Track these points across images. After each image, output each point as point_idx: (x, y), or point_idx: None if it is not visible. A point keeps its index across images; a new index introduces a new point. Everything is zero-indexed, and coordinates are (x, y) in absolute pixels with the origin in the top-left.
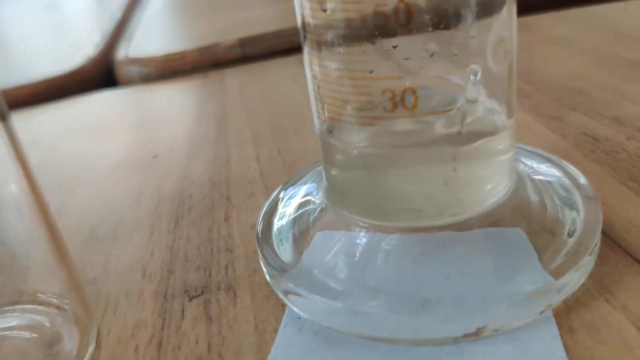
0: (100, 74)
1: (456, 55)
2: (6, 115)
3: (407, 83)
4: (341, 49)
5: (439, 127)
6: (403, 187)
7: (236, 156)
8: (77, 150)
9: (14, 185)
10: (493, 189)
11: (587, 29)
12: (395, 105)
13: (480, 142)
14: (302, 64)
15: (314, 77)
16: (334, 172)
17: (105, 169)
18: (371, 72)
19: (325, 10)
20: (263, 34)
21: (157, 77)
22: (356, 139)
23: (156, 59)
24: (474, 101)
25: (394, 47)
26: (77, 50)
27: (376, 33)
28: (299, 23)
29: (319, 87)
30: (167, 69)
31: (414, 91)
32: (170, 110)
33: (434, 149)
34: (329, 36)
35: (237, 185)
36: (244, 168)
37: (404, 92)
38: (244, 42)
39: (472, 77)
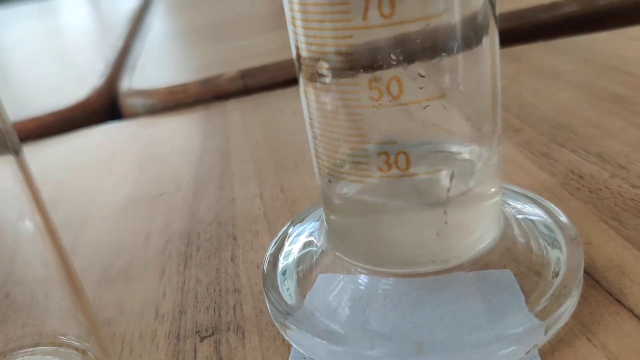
0: (104, 106)
1: (445, 108)
2: (19, 150)
3: (399, 147)
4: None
5: (430, 185)
6: (397, 237)
7: (241, 194)
8: (85, 185)
9: (29, 222)
10: (483, 235)
11: (574, 60)
12: (389, 167)
13: (469, 194)
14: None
15: (314, 137)
16: (332, 217)
17: (114, 205)
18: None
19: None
20: (264, 65)
21: (160, 109)
22: (352, 193)
23: (159, 91)
24: (460, 150)
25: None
26: (81, 80)
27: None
28: (294, 54)
29: (316, 142)
30: (170, 101)
31: (406, 154)
32: (174, 144)
33: (426, 205)
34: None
35: (242, 224)
36: (248, 207)
37: (397, 155)
38: (245, 74)
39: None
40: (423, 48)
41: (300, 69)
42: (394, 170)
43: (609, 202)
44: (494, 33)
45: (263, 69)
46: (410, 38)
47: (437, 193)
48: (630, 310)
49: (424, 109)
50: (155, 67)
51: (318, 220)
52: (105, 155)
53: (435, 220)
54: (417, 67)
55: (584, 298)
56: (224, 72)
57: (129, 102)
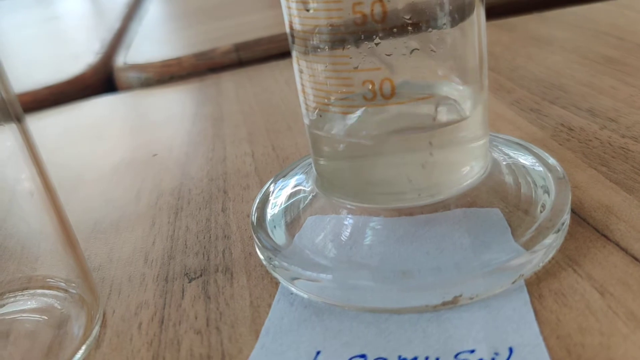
0: (100, 81)
1: (434, 51)
2: (21, 117)
3: (385, 74)
4: (326, 51)
5: (416, 114)
6: (384, 172)
7: (232, 153)
8: (78, 152)
9: (28, 183)
10: (468, 172)
11: (568, 28)
12: (374, 94)
13: (454, 126)
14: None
15: (300, 72)
16: (321, 162)
17: (107, 168)
18: (355, 67)
19: (308, 10)
20: (258, 39)
21: (155, 82)
22: (340, 128)
23: (154, 65)
24: (447, 89)
25: (377, 44)
26: (77, 58)
27: (361, 36)
28: (287, 27)
29: (305, 81)
30: (165, 74)
31: (391, 81)
32: (168, 113)
33: (411, 135)
34: (315, 39)
35: (233, 179)
36: (240, 164)
37: (382, 82)
38: (239, 47)
39: (446, 71)
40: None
41: (293, 40)
42: (379, 99)
43: (598, 150)
44: None
45: (257, 42)
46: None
47: (422, 122)
48: (617, 244)
49: (411, 53)
50: (151, 44)
51: (306, 169)
52: (100, 124)
53: (421, 152)
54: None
55: (570, 235)
56: (218, 46)
57: (124, 76)
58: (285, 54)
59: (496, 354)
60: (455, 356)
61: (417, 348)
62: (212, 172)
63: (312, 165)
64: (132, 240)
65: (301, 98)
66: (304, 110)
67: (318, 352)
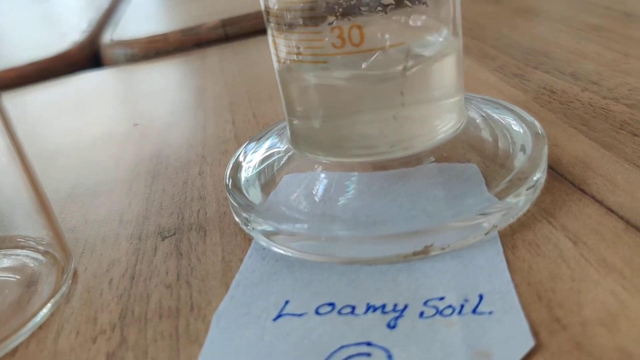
0: (86, 58)
1: (409, 6)
2: None
3: (353, 21)
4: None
5: (386, 62)
6: (356, 124)
7: (213, 121)
8: (61, 124)
9: (6, 155)
10: (441, 126)
11: None
12: (343, 41)
13: (426, 75)
14: None
15: (271, 29)
16: (294, 120)
17: (87, 139)
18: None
19: None
20: (245, 14)
21: (141, 58)
22: (311, 77)
23: (140, 41)
24: (418, 36)
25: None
26: (64, 36)
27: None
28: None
29: (276, 37)
30: (151, 50)
31: (359, 28)
32: (152, 86)
33: (382, 85)
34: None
35: (212, 145)
36: (220, 131)
37: (350, 29)
38: (226, 23)
39: (418, 19)
40: None
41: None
42: (348, 46)
43: (579, 111)
44: None
45: (244, 17)
46: None
47: (392, 71)
48: (593, 197)
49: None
50: (138, 22)
51: (281, 131)
52: (84, 98)
53: (392, 101)
54: None
55: (547, 190)
56: (205, 22)
57: (110, 53)
58: None
59: (465, 300)
60: (425, 303)
61: (386, 296)
62: (192, 139)
63: (287, 124)
64: (109, 204)
65: (273, 52)
66: (275, 65)
67: (287, 302)
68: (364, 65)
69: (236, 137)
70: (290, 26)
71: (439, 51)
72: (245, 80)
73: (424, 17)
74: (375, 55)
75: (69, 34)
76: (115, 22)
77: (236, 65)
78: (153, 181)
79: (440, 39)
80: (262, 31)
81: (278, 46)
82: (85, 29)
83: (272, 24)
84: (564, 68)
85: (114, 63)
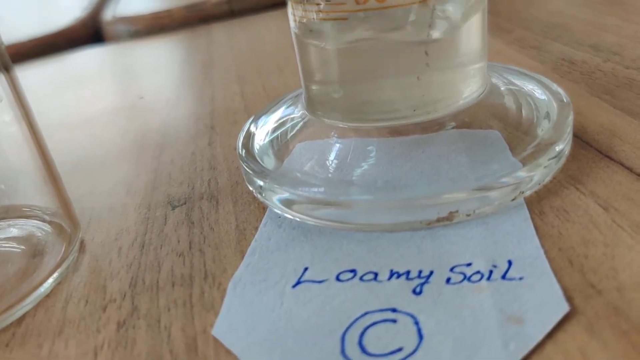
0: (88, 34)
1: None
2: (9, 67)
3: None
4: None
5: (410, 20)
6: (378, 86)
7: (221, 94)
8: (65, 99)
9: (15, 126)
10: (465, 90)
11: None
12: None
13: (451, 34)
14: (287, 16)
15: None
16: (312, 84)
17: (92, 113)
18: None
19: None
20: None
21: (145, 34)
22: (331, 37)
23: (144, 17)
24: None
25: None
26: (64, 13)
27: None
28: None
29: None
30: (155, 27)
31: None
32: (157, 62)
33: (406, 43)
34: None
35: (221, 116)
36: (229, 102)
37: None
38: None
39: None
40: None
41: None
42: (371, 2)
43: (601, 81)
44: None
45: None
46: None
47: (417, 29)
48: (621, 164)
49: None
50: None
51: (294, 100)
52: (87, 74)
53: (416, 61)
54: None
55: (573, 157)
56: None
57: (113, 29)
58: (278, 5)
59: (494, 266)
60: (451, 269)
61: (410, 262)
62: (200, 110)
63: (303, 90)
64: (116, 175)
65: (290, 12)
66: (292, 25)
67: (306, 269)
68: (387, 23)
69: (246, 108)
70: None
71: (464, 11)
72: (254, 54)
73: None
74: (400, 12)
75: (69, 10)
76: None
77: (244, 39)
78: (161, 152)
79: (463, 7)
80: (268, 7)
81: (296, 4)
82: (86, 6)
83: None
84: (584, 40)
85: (117, 39)
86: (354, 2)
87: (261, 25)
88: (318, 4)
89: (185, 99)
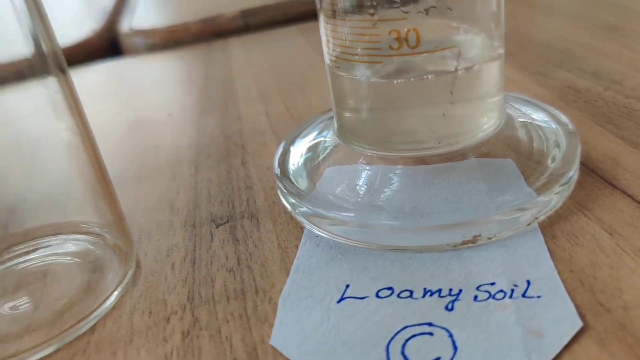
0: (104, 46)
1: (450, 9)
2: (65, 69)
3: (410, 25)
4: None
5: (438, 63)
6: (407, 120)
7: (246, 112)
8: (90, 113)
9: (67, 133)
10: (485, 123)
11: None
12: (400, 44)
13: (474, 74)
14: (302, 33)
15: (326, 24)
16: (344, 111)
17: (122, 126)
18: (381, 18)
19: None
20: (264, 5)
21: (161, 48)
22: (364, 74)
23: (160, 31)
24: (468, 40)
25: (394, 3)
26: (80, 25)
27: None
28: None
29: (329, 34)
30: (171, 40)
31: (416, 31)
32: (177, 75)
33: (434, 83)
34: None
35: (249, 136)
36: (255, 122)
37: (407, 32)
38: (245, 14)
39: (464, 25)
40: None
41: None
42: (405, 48)
43: (603, 110)
44: None
45: (264, 8)
46: None
47: (444, 71)
48: (623, 191)
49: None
50: (155, 10)
51: (327, 123)
52: (109, 87)
53: (442, 100)
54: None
55: (580, 184)
56: (224, 12)
57: (130, 42)
58: (291, 20)
59: (515, 285)
60: (477, 288)
61: (441, 281)
62: (228, 129)
63: (334, 117)
64: (156, 191)
65: (325, 50)
66: (326, 60)
67: (347, 286)
68: (416, 65)
69: (272, 129)
70: (347, 23)
71: (487, 53)
72: (273, 72)
73: (472, 21)
74: (429, 57)
75: (83, 22)
76: (131, 10)
77: (261, 56)
78: (197, 170)
79: (488, 43)
80: (282, 22)
81: (331, 44)
82: (101, 17)
83: (326, 22)
84: (585, 67)
85: (134, 52)
86: (388, 48)
87: (277, 41)
88: (354, 48)
89: (212, 116)
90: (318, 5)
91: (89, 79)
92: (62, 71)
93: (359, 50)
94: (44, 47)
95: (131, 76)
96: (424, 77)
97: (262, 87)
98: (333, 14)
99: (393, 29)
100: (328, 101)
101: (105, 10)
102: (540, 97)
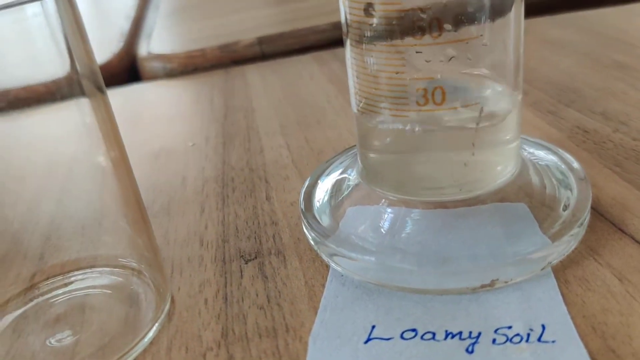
0: (123, 70)
1: (470, 59)
2: (103, 89)
3: (437, 82)
4: (377, 46)
5: (462, 118)
6: (430, 168)
7: (268, 145)
8: None
9: (103, 157)
10: (502, 170)
11: (579, 32)
12: (426, 101)
13: (495, 127)
14: (317, 61)
15: (353, 72)
16: (368, 154)
17: (147, 156)
18: (398, 73)
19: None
20: (281, 32)
21: (179, 73)
22: (390, 127)
23: (178, 56)
24: (490, 95)
25: (417, 52)
26: (100, 47)
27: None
28: (343, 20)
29: (357, 82)
30: (189, 65)
31: (442, 89)
32: (198, 103)
33: (457, 136)
34: (367, 33)
35: (272, 170)
36: (277, 155)
37: (434, 90)
38: (262, 41)
39: (485, 72)
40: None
41: (347, 32)
42: (430, 104)
43: (612, 152)
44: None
45: (280, 36)
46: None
47: (467, 126)
48: (632, 237)
49: (449, 60)
50: (172, 34)
51: (350, 160)
52: (130, 113)
53: (464, 151)
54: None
55: (590, 228)
56: (241, 39)
57: (148, 66)
58: (307, 49)
59: (531, 329)
60: (495, 331)
61: (461, 324)
62: (251, 162)
63: (358, 156)
64: (185, 224)
65: (353, 97)
66: (354, 108)
67: (373, 326)
68: (440, 117)
69: (294, 162)
70: (377, 77)
71: (508, 105)
72: (291, 103)
73: (492, 70)
74: (452, 112)
75: (103, 44)
76: (148, 33)
77: (279, 85)
78: (224, 204)
79: (509, 92)
80: (297, 51)
81: (359, 94)
82: (119, 39)
83: (356, 73)
84: (595, 107)
85: (152, 76)
86: (415, 104)
87: (293, 70)
88: (383, 106)
89: (235, 148)
90: (346, 48)
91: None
92: (101, 91)
93: (386, 104)
94: (80, 67)
95: (151, 102)
96: (446, 129)
97: (281, 117)
98: (363, 65)
99: (420, 87)
100: (344, 134)
101: (123, 33)
102: (550, 138)
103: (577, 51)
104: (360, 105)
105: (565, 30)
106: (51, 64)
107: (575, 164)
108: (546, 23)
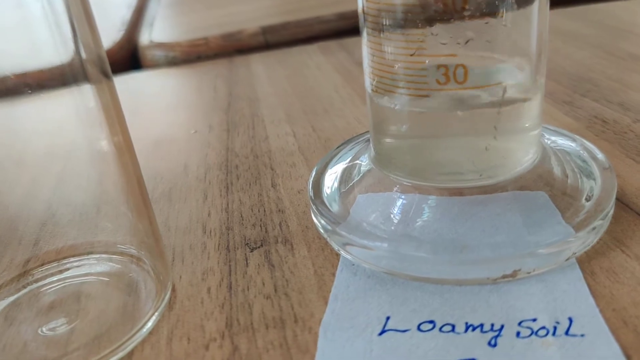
0: (124, 58)
1: (489, 42)
2: (109, 75)
3: (459, 60)
4: (396, 32)
5: (484, 99)
6: (449, 152)
7: (273, 133)
8: None
9: (104, 142)
10: (523, 157)
11: (592, 24)
12: (447, 79)
13: (517, 111)
14: (323, 51)
15: (370, 53)
16: (382, 138)
17: (148, 143)
18: (418, 49)
19: None
20: (285, 22)
21: (181, 61)
22: (410, 108)
23: (181, 44)
24: (513, 76)
25: (434, 34)
26: (101, 35)
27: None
28: (360, 8)
29: (374, 62)
30: (192, 54)
31: (464, 67)
32: (201, 91)
33: (478, 118)
34: (385, 20)
35: (278, 157)
36: (283, 143)
37: (456, 68)
38: (266, 30)
39: (507, 58)
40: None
41: (365, 20)
42: (452, 84)
43: (634, 142)
44: None
45: (284, 26)
46: None
47: (489, 106)
48: None
49: (466, 43)
50: (173, 23)
51: (361, 147)
52: (130, 101)
53: (486, 134)
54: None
55: (615, 219)
56: (244, 28)
57: (150, 54)
58: (312, 39)
59: (557, 322)
60: (519, 324)
61: (482, 316)
62: (256, 149)
63: (370, 142)
64: (187, 211)
65: (367, 77)
66: (368, 89)
67: (388, 318)
68: (462, 99)
69: (300, 150)
70: (393, 54)
71: (530, 88)
72: (296, 92)
73: (513, 54)
74: (474, 92)
75: (104, 31)
76: (150, 22)
77: (284, 75)
78: (227, 192)
79: (531, 77)
80: (302, 40)
81: (374, 71)
82: (120, 27)
83: (370, 49)
84: (612, 97)
85: (154, 65)
86: (435, 82)
87: (297, 59)
88: (401, 81)
89: (240, 135)
90: (362, 28)
91: None
92: (106, 76)
93: (404, 83)
94: (85, 52)
95: (153, 90)
96: (468, 111)
97: (286, 106)
98: (379, 42)
99: (441, 64)
100: (352, 123)
101: (124, 21)
102: (569, 128)
103: (590, 43)
104: (374, 83)
105: (576, 22)
106: (55, 49)
107: (599, 154)
108: (558, 15)
